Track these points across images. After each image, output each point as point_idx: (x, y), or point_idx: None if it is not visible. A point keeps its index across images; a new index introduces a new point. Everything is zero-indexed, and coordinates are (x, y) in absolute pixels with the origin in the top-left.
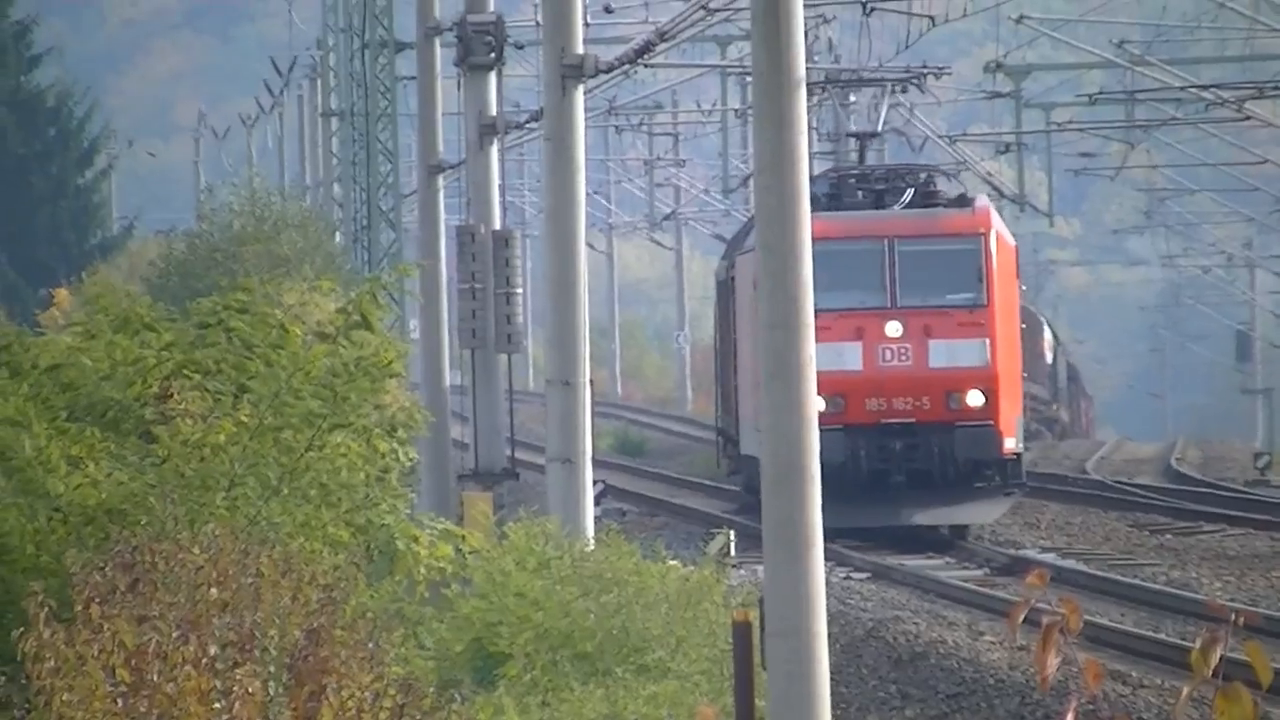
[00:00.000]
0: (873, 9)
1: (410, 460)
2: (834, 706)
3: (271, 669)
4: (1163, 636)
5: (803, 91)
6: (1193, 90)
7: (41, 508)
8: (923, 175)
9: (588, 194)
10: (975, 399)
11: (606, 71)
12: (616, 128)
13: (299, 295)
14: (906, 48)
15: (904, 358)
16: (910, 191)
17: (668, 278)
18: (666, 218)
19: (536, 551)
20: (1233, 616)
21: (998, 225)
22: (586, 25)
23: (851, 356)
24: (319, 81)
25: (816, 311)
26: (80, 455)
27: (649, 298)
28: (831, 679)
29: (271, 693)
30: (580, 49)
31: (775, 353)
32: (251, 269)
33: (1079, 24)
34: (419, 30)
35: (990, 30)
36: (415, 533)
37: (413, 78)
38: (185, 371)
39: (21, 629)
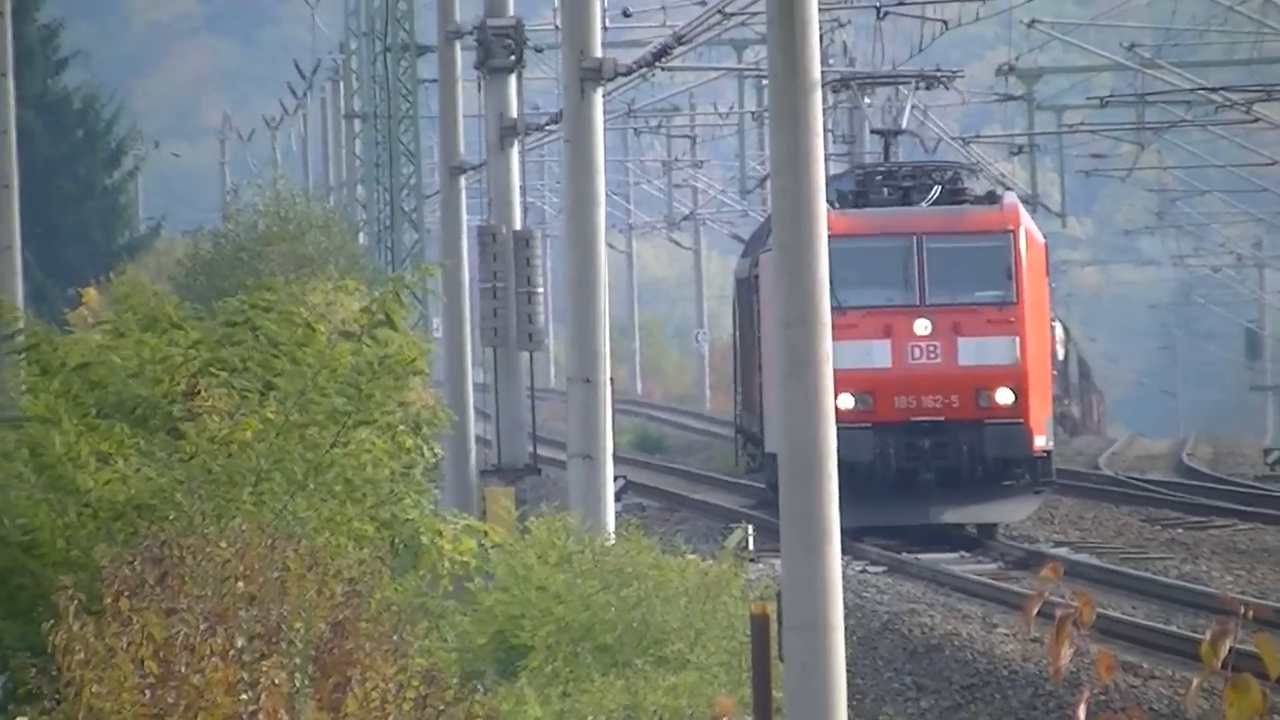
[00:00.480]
0: (886, 12)
1: (434, 456)
2: (850, 698)
3: (297, 661)
4: (1174, 629)
5: (818, 94)
6: (1202, 93)
7: (71, 503)
8: (950, 172)
9: (607, 195)
10: (1005, 397)
11: (625, 74)
12: (635, 130)
13: (324, 294)
14: (920, 51)
15: (933, 355)
16: (937, 189)
17: (686, 277)
18: (685, 218)
19: (558, 546)
20: (1243, 609)
21: (1026, 222)
22: (605, 29)
23: (880, 354)
24: (341, 84)
25: (844, 309)
26: (109, 451)
27: (668, 296)
28: (848, 671)
29: (297, 684)
30: (599, 52)
31: (792, 350)
32: (277, 269)
33: (1090, 28)
34: (440, 34)
35: (1003, 34)
36: (439, 527)
37: (434, 80)
38: (212, 369)
39: (52, 622)
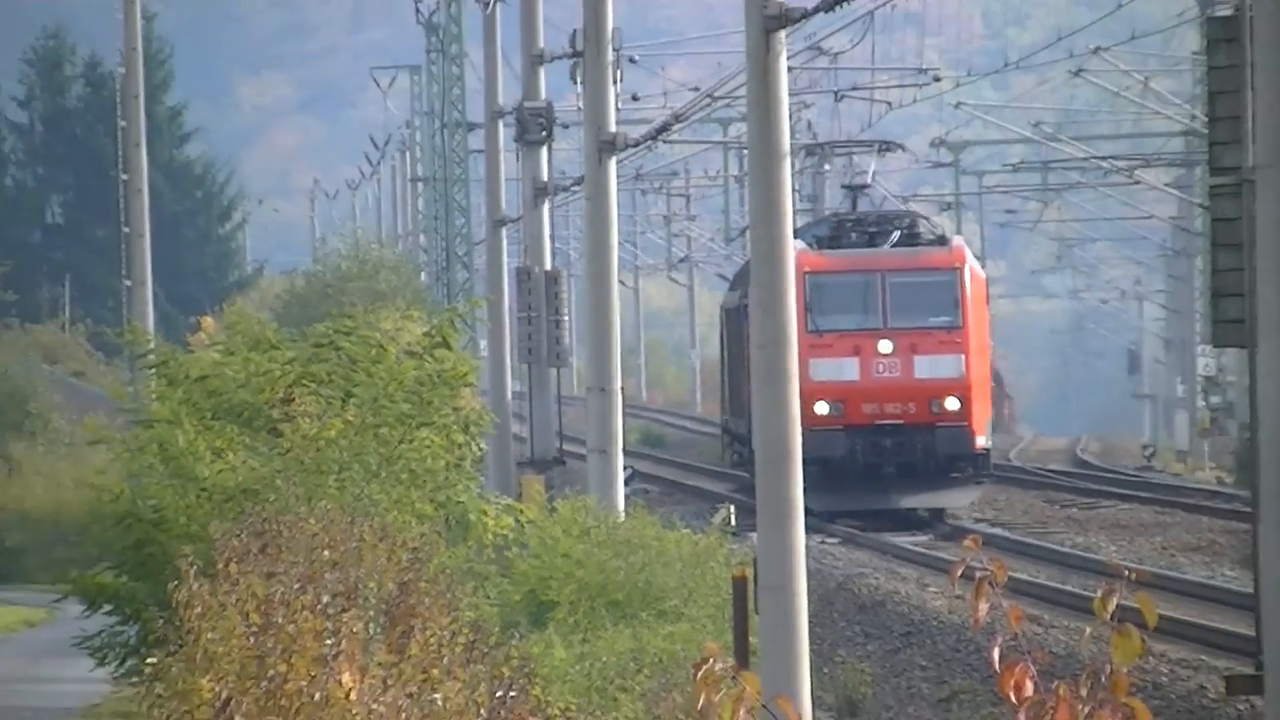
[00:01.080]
0: (842, 96)
1: (480, 451)
2: (811, 644)
3: (371, 613)
4: (1070, 588)
5: (787, 162)
6: (1094, 161)
7: (191, 488)
8: (907, 219)
9: (619, 242)
10: (953, 404)
11: (633, 146)
12: (641, 190)
13: (393, 321)
14: (869, 126)
15: (894, 370)
16: (897, 233)
17: (682, 307)
18: (681, 261)
19: (579, 522)
20: (1126, 573)
21: (971, 261)
22: (618, 110)
23: (850, 369)
24: (407, 154)
25: (821, 332)
26: (221, 447)
27: (667, 323)
28: (809, 622)
29: (371, 632)
30: (613, 128)
31: (766, 366)
32: (356, 301)
33: (1005, 108)
34: (486, 114)
35: (935, 114)
36: (484, 508)
37: (481, 151)
38: (304, 381)
39: (175, 582)
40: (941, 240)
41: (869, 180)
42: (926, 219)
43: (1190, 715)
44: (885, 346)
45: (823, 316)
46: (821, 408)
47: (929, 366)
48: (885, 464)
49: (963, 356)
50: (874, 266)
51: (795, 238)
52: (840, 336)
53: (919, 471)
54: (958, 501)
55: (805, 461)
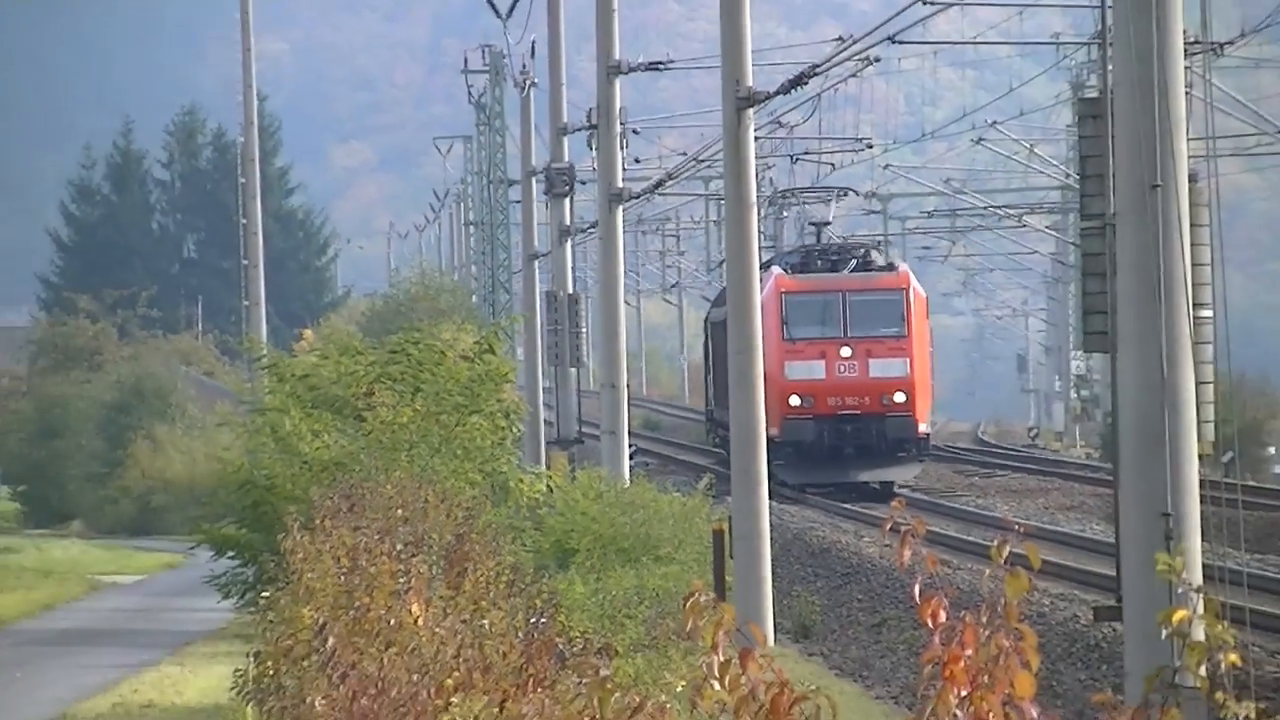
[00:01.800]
0: (797, 159)
1: (518, 432)
2: (774, 581)
3: (433, 558)
4: (973, 539)
5: (754, 210)
6: (991, 209)
7: (295, 461)
8: (863, 249)
9: (624, 271)
10: (900, 398)
11: (636, 198)
12: (642, 231)
13: (451, 333)
14: (817, 183)
15: (853, 370)
16: (854, 260)
17: (673, 322)
18: (672, 286)
19: (594, 488)
20: (1016, 526)
21: (914, 283)
22: (624, 170)
23: (818, 370)
24: (462, 204)
25: (795, 340)
26: (319, 429)
27: (662, 335)
28: (772, 564)
29: (433, 572)
30: (620, 184)
31: (738, 368)
32: (422, 317)
33: (922, 168)
34: (522, 173)
35: (868, 173)
36: (520, 476)
37: (518, 201)
38: (382, 379)
39: (283, 534)
40: (891, 266)
41: (829, 219)
42: (877, 249)
43: (1067, 638)
44: (846, 352)
45: (795, 327)
46: (795, 400)
47: (881, 368)
48: (846, 446)
49: (908, 359)
50: (837, 287)
51: (773, 264)
52: (810, 343)
53: (873, 452)
54: (904, 475)
55: (782, 444)
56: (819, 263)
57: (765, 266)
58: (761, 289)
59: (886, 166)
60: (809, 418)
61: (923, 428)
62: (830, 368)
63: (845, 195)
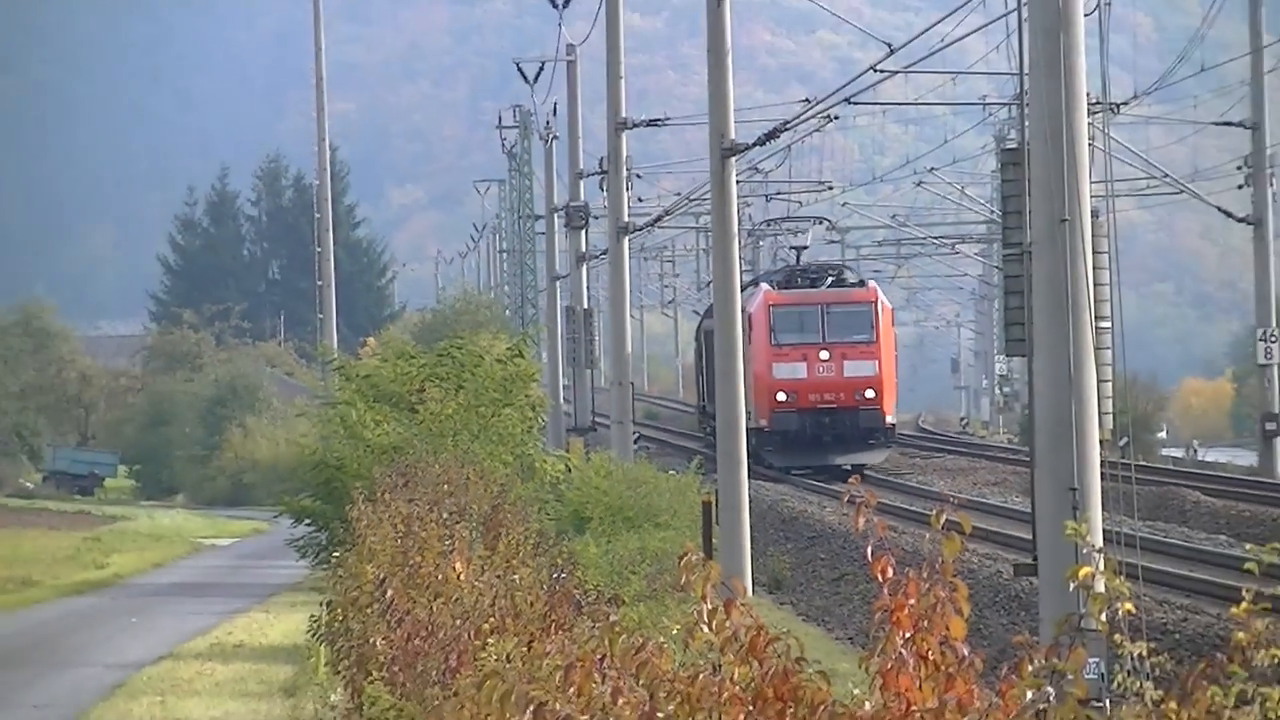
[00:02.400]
0: (770, 198)
1: (543, 422)
2: (752, 543)
3: (473, 525)
4: (915, 509)
5: (735, 240)
6: (929, 238)
7: (360, 445)
8: (838, 269)
9: (629, 290)
10: (870, 394)
11: (639, 230)
12: (644, 257)
13: (488, 341)
14: (788, 216)
15: (831, 371)
16: (830, 277)
17: (670, 331)
18: (669, 302)
19: (605, 467)
20: (951, 499)
21: (882, 297)
22: (629, 207)
23: (800, 370)
24: (497, 234)
25: (782, 345)
26: (379, 419)
27: (661, 341)
28: (750, 530)
29: (473, 536)
30: (626, 218)
31: (723, 370)
32: (464, 328)
33: (873, 206)
34: (546, 209)
35: (829, 209)
36: (545, 458)
37: (542, 233)
38: (431, 378)
39: (350, 505)
40: (862, 283)
41: (807, 244)
42: (849, 268)
43: (992, 590)
44: (824, 355)
45: (781, 334)
46: (781, 396)
47: (854, 368)
48: (825, 434)
49: (877, 361)
50: (816, 301)
51: (760, 282)
52: (793, 348)
53: (847, 439)
54: (874, 459)
55: (771, 433)
56: (800, 280)
57: (754, 284)
58: (751, 302)
59: (844, 204)
60: (793, 411)
61: (889, 419)
62: (811, 368)
63: (821, 224)
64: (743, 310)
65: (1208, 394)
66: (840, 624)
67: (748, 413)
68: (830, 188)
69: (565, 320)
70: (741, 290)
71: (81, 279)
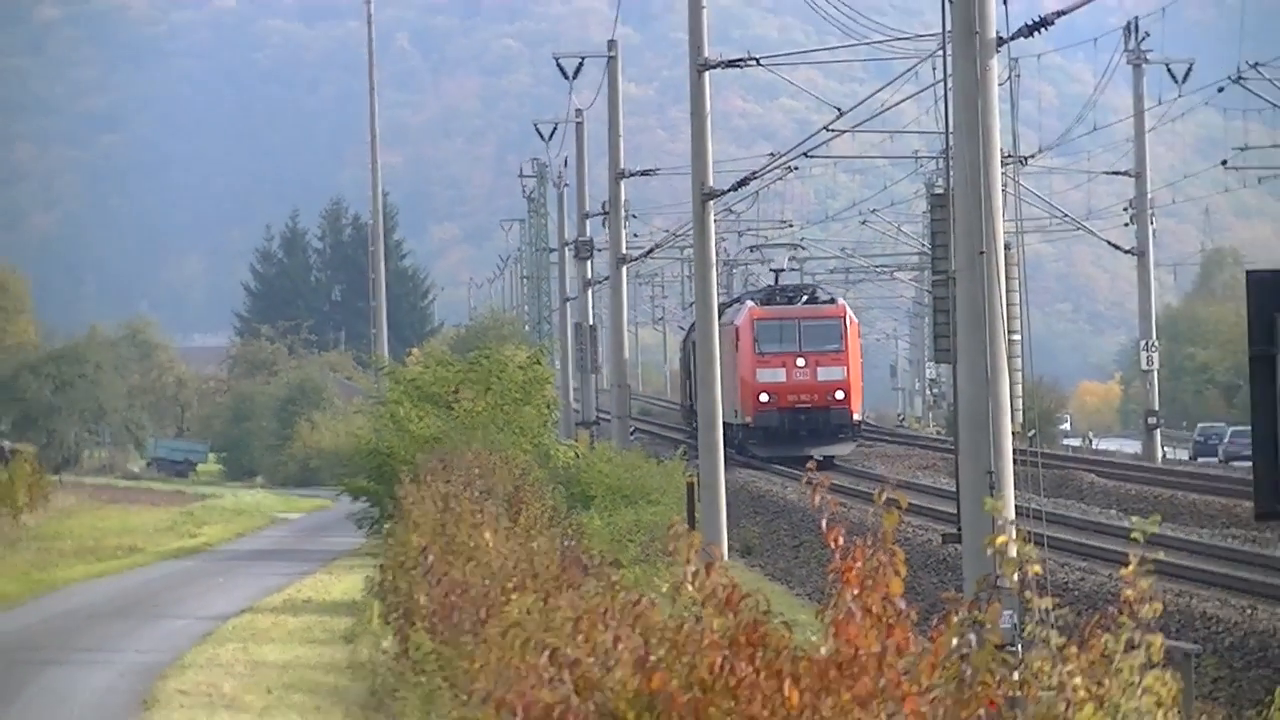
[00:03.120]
0: (742, 234)
1: (556, 417)
2: (727, 516)
3: (499, 502)
4: (861, 489)
5: (714, 270)
6: (872, 267)
7: (406, 436)
8: (812, 288)
9: (626, 309)
10: (839, 395)
11: (635, 260)
12: (640, 282)
13: (511, 351)
14: (756, 248)
15: (806, 375)
16: (805, 295)
17: (659, 343)
18: (659, 319)
19: (606, 454)
20: (890, 480)
21: (849, 313)
22: (626, 242)
23: (780, 375)
24: (518, 264)
25: (764, 354)
26: (422, 415)
27: (652, 351)
28: (727, 505)
29: (499, 511)
30: (624, 250)
31: (704, 375)
32: (491, 341)
33: (824, 241)
34: (559, 243)
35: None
36: (558, 447)
37: (555, 262)
38: (464, 382)
39: (398, 485)
40: (832, 300)
41: (784, 267)
42: (822, 288)
43: (924, 555)
44: (801, 362)
45: (764, 344)
46: (764, 397)
47: (826, 373)
48: (801, 430)
49: (845, 368)
50: (793, 315)
51: (746, 299)
52: (774, 356)
53: (820, 434)
54: (842, 450)
55: (755, 429)
56: (779, 298)
57: (738, 301)
58: (737, 316)
59: (802, 239)
60: (774, 409)
61: (856, 417)
62: (789, 373)
63: (799, 249)
64: (730, 324)
65: (1100, 394)
66: (800, 583)
67: (735, 410)
68: (790, 225)
69: (574, 334)
70: (728, 307)
71: (178, 299)
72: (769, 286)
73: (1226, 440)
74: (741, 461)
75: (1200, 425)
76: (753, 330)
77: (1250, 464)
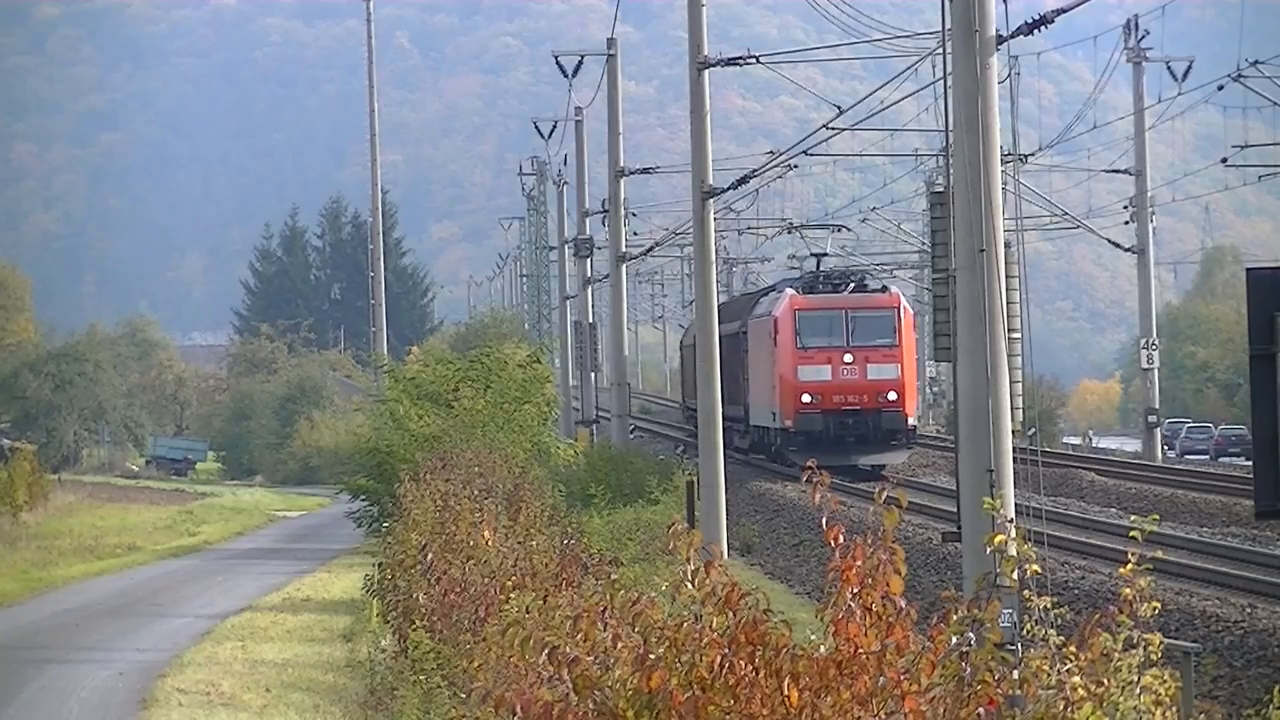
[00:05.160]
0: (741, 233)
1: (556, 415)
2: (727, 514)
3: (499, 500)
4: (862, 487)
5: (714, 267)
6: (872, 265)
7: (406, 435)
8: (860, 274)
9: (625, 307)
10: (892, 396)
11: (635, 258)
12: (639, 280)
13: (511, 349)
14: (756, 249)
15: (854, 374)
16: (852, 283)
17: (660, 342)
18: (659, 318)
19: (606, 453)
20: (890, 479)
21: (904, 302)
22: (626, 240)
23: (825, 373)
24: (518, 262)
25: (807, 348)
26: (421, 414)
27: (652, 350)
28: (726, 504)
29: (498, 510)
30: (623, 249)
31: (704, 374)
32: (491, 339)
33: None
34: (558, 242)
35: (789, 243)
36: (558, 445)
37: (555, 260)
38: (464, 380)
39: (398, 484)
40: (884, 288)
41: (827, 250)
42: (872, 275)
43: (924, 553)
44: (848, 358)
45: (807, 338)
46: (806, 398)
47: (877, 371)
48: (848, 435)
49: (899, 365)
50: (840, 305)
51: (786, 286)
52: (819, 351)
53: (870, 440)
54: (895, 460)
55: (794, 434)
56: (824, 285)
57: (774, 289)
58: (775, 306)
59: (803, 237)
60: (817, 412)
61: (911, 421)
62: (835, 371)
63: (840, 230)
64: (767, 315)
65: (1100, 392)
66: (800, 581)
67: (771, 413)
68: (790, 223)
69: (574, 332)
70: (763, 295)
71: (177, 298)
72: (810, 272)
73: (1183, 436)
74: (778, 471)
75: (1167, 421)
76: (794, 322)
77: (1202, 457)
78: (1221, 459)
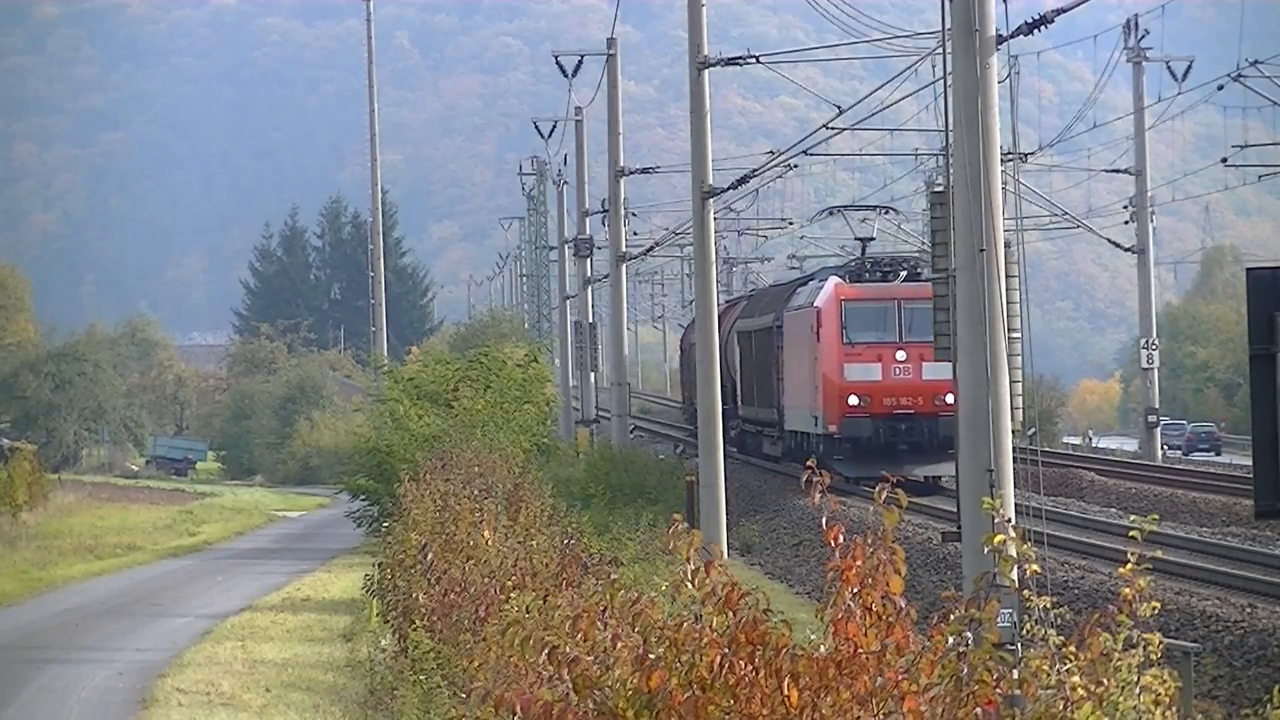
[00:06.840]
0: (741, 233)
1: (555, 415)
2: (727, 514)
3: (499, 500)
4: (863, 488)
5: (714, 267)
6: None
7: (406, 435)
8: (912, 261)
9: (625, 306)
10: (950, 399)
11: (635, 258)
12: (639, 280)
13: (510, 349)
14: (756, 250)
15: (907, 373)
16: (904, 271)
17: (659, 342)
18: (659, 318)
19: (606, 452)
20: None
21: None
22: (626, 240)
23: (875, 372)
24: (518, 262)
25: (854, 344)
26: (421, 413)
27: (652, 350)
28: (726, 503)
29: (498, 509)
30: (623, 249)
31: (705, 373)
32: (491, 339)
33: (824, 238)
34: (558, 241)
35: (789, 242)
36: (558, 444)
37: (555, 260)
38: (464, 380)
39: (398, 484)
40: None
41: (873, 235)
42: (925, 261)
43: (924, 553)
44: (901, 355)
45: (854, 332)
46: (853, 400)
47: (934, 371)
48: (900, 443)
49: None
50: (891, 295)
51: (830, 275)
52: (867, 347)
53: (924, 449)
54: (952, 470)
55: (840, 441)
56: (872, 273)
57: (814, 277)
58: (817, 297)
59: (802, 236)
60: (866, 416)
61: None
62: (886, 370)
63: (887, 213)
64: (808, 306)
65: (1100, 392)
66: (800, 581)
67: (813, 417)
68: (790, 223)
69: (574, 332)
70: (801, 284)
71: (177, 298)
72: (857, 259)
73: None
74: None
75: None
76: (840, 314)
77: (1175, 452)
78: (1193, 454)
